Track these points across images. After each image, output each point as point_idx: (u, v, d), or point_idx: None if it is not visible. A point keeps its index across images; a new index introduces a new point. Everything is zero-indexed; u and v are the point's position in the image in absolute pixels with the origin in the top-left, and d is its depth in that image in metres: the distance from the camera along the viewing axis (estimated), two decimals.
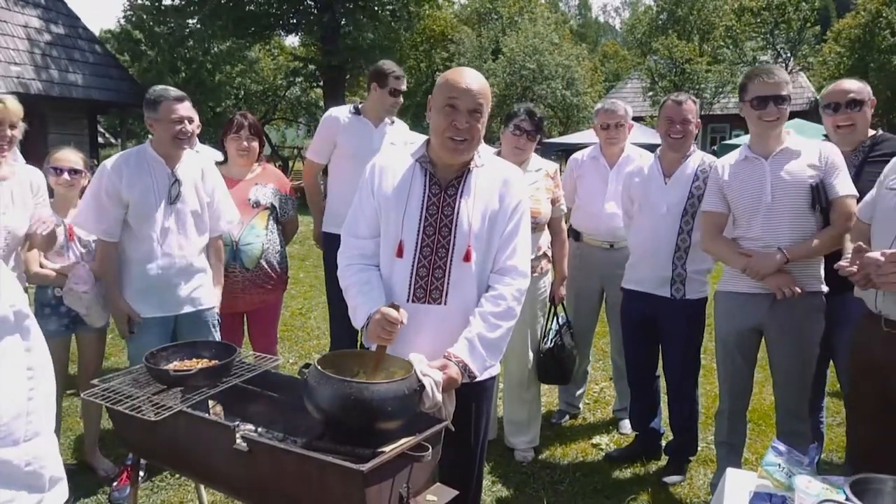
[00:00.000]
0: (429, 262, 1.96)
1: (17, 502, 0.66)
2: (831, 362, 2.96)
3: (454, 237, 1.95)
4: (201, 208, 2.92)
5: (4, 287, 0.78)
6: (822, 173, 2.56)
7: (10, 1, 11.17)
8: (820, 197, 2.54)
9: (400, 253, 1.97)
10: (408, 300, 1.97)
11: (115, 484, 3.02)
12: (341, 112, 3.68)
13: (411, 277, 1.96)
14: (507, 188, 2.00)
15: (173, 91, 2.85)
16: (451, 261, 1.95)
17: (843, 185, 2.55)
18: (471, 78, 1.92)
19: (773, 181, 2.61)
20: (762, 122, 2.60)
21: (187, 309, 2.91)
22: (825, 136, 3.00)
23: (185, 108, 2.81)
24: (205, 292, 2.96)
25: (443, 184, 1.98)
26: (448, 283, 1.96)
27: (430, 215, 1.97)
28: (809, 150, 2.62)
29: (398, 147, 3.50)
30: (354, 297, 1.99)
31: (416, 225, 1.96)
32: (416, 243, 1.96)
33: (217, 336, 3.00)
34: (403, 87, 3.64)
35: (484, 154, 2.05)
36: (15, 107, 2.62)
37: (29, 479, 0.67)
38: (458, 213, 1.95)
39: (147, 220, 2.80)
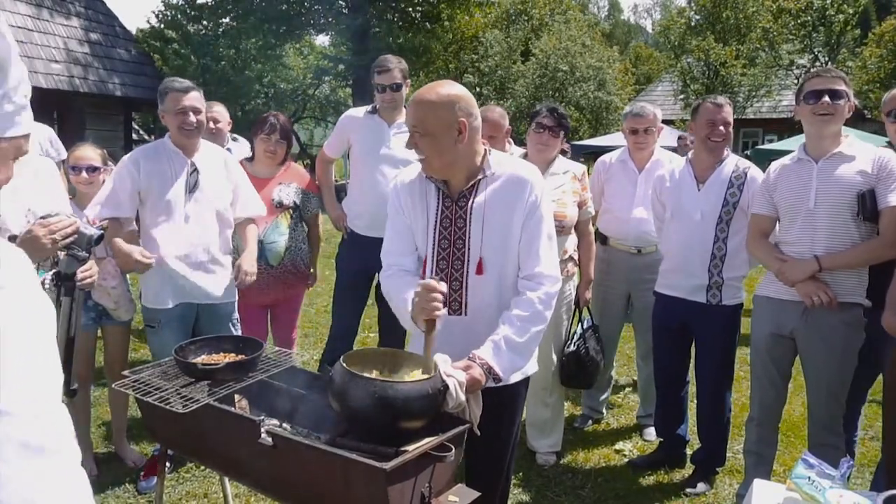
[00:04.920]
0: (446, 275, 1.98)
1: (71, 451, 0.75)
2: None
3: (468, 249, 1.96)
4: (223, 198, 2.94)
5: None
6: (874, 181, 2.44)
7: (52, 1, 11.48)
8: (865, 206, 2.42)
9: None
10: None
11: (142, 474, 3.08)
12: (358, 111, 3.69)
13: None
14: (520, 192, 1.95)
15: (180, 82, 2.85)
16: (466, 273, 1.97)
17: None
18: (414, 100, 1.89)
19: (818, 186, 2.52)
20: (815, 116, 2.50)
21: (206, 300, 2.92)
22: (888, 142, 2.89)
23: (190, 99, 2.79)
24: (224, 287, 2.97)
25: (454, 196, 1.98)
26: (466, 295, 1.98)
27: (443, 228, 1.98)
28: (864, 156, 2.49)
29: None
30: (396, 297, 1.97)
31: (432, 239, 1.99)
32: (434, 257, 1.99)
33: (237, 333, 3.03)
34: (390, 81, 3.41)
35: (495, 162, 2.00)
36: None
37: (71, 436, 0.76)
38: (469, 225, 1.96)
39: (166, 209, 2.82)
